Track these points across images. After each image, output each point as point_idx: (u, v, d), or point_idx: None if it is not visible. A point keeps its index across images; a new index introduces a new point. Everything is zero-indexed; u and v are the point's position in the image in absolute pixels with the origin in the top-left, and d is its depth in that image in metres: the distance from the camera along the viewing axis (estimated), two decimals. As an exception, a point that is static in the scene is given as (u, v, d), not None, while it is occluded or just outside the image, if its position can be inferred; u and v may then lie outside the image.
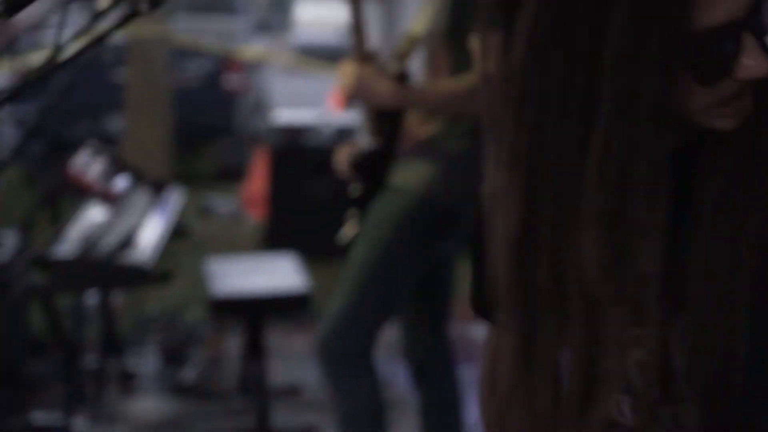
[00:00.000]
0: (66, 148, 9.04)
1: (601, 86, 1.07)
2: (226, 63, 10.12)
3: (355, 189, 3.44)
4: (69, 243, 3.72)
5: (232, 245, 7.57)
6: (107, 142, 9.49)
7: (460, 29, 3.23)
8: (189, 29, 10.46)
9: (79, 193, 3.82)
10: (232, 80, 10.19)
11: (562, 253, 1.11)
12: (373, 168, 3.40)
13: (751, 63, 1.10)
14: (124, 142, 8.99)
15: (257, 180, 8.07)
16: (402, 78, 3.36)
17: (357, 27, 3.35)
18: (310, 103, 10.07)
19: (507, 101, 1.12)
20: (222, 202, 8.73)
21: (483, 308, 1.29)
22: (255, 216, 8.30)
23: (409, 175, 3.33)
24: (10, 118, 9.69)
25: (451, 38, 3.27)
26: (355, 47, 3.34)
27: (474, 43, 3.19)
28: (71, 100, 7.99)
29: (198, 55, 9.96)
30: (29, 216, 3.70)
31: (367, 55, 3.34)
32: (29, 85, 1.71)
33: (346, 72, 3.32)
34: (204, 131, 10.21)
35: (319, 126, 7.63)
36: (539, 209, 1.11)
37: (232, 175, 9.98)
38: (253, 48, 11.14)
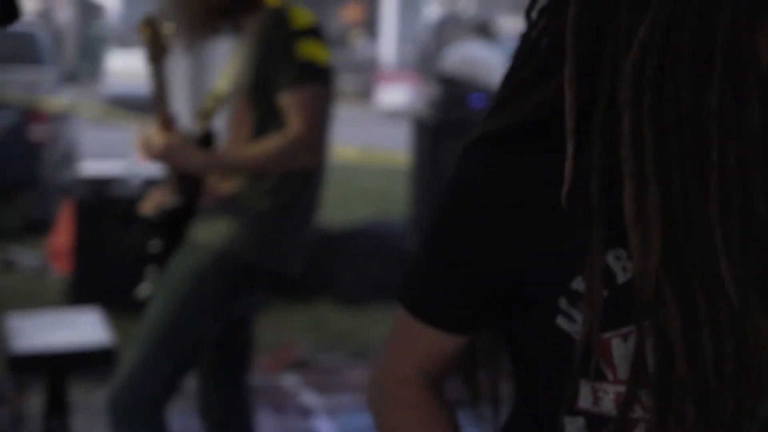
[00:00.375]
0: None
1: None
2: (31, 114, 9.91)
3: (155, 245, 3.41)
4: None
5: (37, 300, 7.39)
6: None
7: (264, 88, 3.28)
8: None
9: None
10: (37, 132, 9.98)
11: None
12: (174, 225, 3.39)
13: None
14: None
15: (63, 233, 7.90)
16: (208, 137, 3.37)
17: (159, 93, 3.34)
18: (119, 155, 9.93)
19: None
20: (27, 256, 8.51)
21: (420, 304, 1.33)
22: (60, 270, 8.12)
23: (210, 231, 3.32)
24: None
25: (255, 97, 3.30)
26: (157, 113, 3.33)
27: (284, 100, 3.24)
28: None
29: (1, 107, 9.73)
30: None
31: (170, 120, 3.33)
32: None
33: (150, 141, 3.31)
34: (9, 184, 9.96)
35: (127, 177, 7.53)
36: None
37: (38, 228, 9.76)
38: (59, 99, 10.92)
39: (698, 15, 1.11)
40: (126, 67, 23.18)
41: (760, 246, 1.14)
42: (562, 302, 1.23)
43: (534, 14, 1.29)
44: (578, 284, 1.21)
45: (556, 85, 1.21)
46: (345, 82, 27.80)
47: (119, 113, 11.80)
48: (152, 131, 3.33)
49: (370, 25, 33.85)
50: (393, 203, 10.76)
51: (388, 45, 32.44)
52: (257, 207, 3.31)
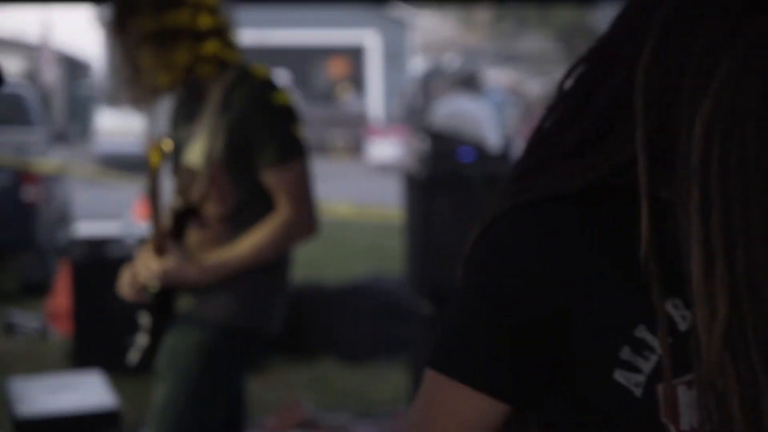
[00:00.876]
0: None
1: None
2: (23, 175, 9.91)
3: (143, 317, 3.41)
4: None
5: (38, 362, 7.37)
6: None
7: (244, 160, 3.26)
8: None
9: None
10: (30, 193, 9.97)
11: None
12: (164, 301, 3.37)
13: None
14: None
15: (61, 294, 7.89)
16: (191, 212, 3.33)
17: (155, 217, 3.31)
18: (113, 214, 9.94)
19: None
20: (27, 318, 8.47)
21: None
22: (60, 332, 8.10)
23: (208, 306, 3.32)
24: None
25: (234, 169, 3.28)
26: (153, 238, 3.30)
27: (269, 179, 3.23)
28: None
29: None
30: None
31: (164, 239, 3.30)
32: None
33: (149, 268, 3.27)
34: (4, 246, 9.95)
35: (122, 237, 7.52)
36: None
37: (36, 289, 9.74)
38: (50, 160, 10.93)
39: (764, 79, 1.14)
40: (115, 125, 23.26)
41: None
42: (625, 352, 1.23)
43: (569, 82, 1.30)
44: (642, 332, 1.22)
45: (614, 148, 1.23)
46: (334, 137, 27.89)
47: (111, 172, 11.81)
48: (147, 258, 3.29)
49: (356, 79, 34.01)
50: (388, 259, 10.76)
51: (375, 99, 32.59)
52: (248, 274, 3.29)
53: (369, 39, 32.95)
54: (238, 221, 3.30)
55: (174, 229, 3.35)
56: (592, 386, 1.26)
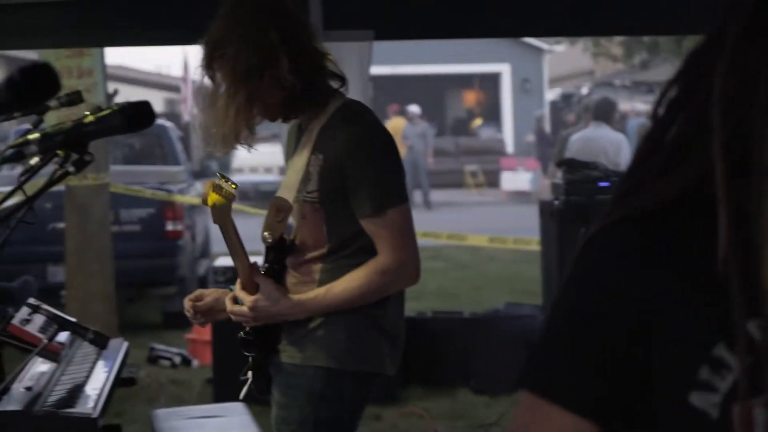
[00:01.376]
0: (5, 298, 8.97)
1: None
2: (166, 209, 10.13)
3: (249, 355, 3.43)
4: (13, 397, 3.67)
5: (180, 392, 7.51)
6: (48, 293, 9.43)
7: (334, 198, 3.18)
8: (129, 176, 10.50)
9: (22, 347, 3.77)
10: (173, 226, 10.19)
11: None
12: (263, 340, 3.34)
13: None
14: (65, 293, 8.93)
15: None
16: (283, 246, 3.30)
17: (233, 250, 3.25)
18: (250, 246, 10.08)
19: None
20: (169, 350, 8.64)
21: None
22: (201, 361, 8.24)
23: (313, 347, 3.26)
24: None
25: (326, 207, 3.20)
26: (239, 271, 3.26)
27: (368, 227, 3.15)
28: (10, 251, 7.93)
29: (138, 202, 9.97)
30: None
31: (251, 273, 3.24)
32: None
33: (241, 310, 3.24)
34: (148, 278, 10.17)
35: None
36: None
37: (178, 321, 9.92)
38: (191, 194, 11.17)
39: None
40: (249, 160, 23.69)
41: None
42: (704, 372, 1.21)
43: (662, 108, 1.31)
44: (721, 351, 1.20)
45: (695, 161, 1.23)
46: (470, 167, 27.89)
47: (246, 205, 12.00)
48: (238, 293, 3.25)
49: (491, 110, 33.99)
50: (525, 287, 10.71)
51: (509, 129, 32.52)
52: (350, 319, 3.24)
53: (504, 70, 32.93)
54: (334, 262, 3.23)
55: (269, 263, 3.31)
56: (669, 409, 1.24)
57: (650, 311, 1.24)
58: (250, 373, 3.45)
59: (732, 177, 1.18)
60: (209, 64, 3.20)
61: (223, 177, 3.19)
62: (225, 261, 8.25)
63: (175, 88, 31.24)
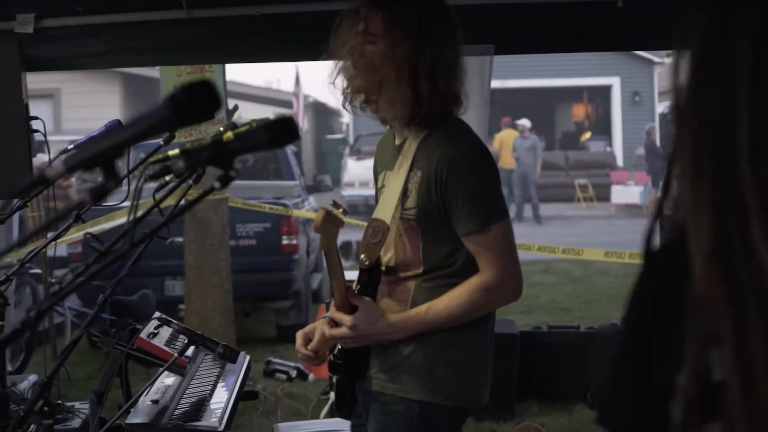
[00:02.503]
0: (125, 311, 9.14)
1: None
2: (282, 224, 10.21)
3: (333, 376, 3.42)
4: (141, 410, 3.73)
5: (297, 406, 7.56)
6: (166, 307, 9.58)
7: (434, 217, 3.16)
8: (246, 191, 10.61)
9: (149, 360, 3.83)
10: (289, 240, 10.27)
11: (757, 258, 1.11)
12: (351, 364, 3.33)
13: None
14: (183, 306, 9.06)
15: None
16: (379, 265, 3.27)
17: (333, 274, 3.23)
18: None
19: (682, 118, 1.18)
20: (285, 363, 8.72)
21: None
22: (318, 376, 8.29)
23: (408, 378, 3.23)
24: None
25: (424, 226, 3.18)
26: (337, 297, 3.24)
27: (470, 245, 3.13)
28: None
29: (254, 217, 10.08)
30: (102, 384, 3.71)
31: (348, 296, 3.23)
32: (106, 266, 1.73)
33: (341, 332, 3.22)
34: (265, 292, 10.27)
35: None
36: (727, 217, 1.12)
37: (293, 334, 9.99)
38: (305, 208, 11.28)
39: None
40: (360, 175, 23.91)
41: None
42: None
43: None
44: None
45: None
46: (580, 181, 27.70)
47: (356, 219, 12.14)
48: (335, 315, 3.23)
49: (601, 124, 33.73)
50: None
51: (618, 142, 32.22)
52: (449, 350, 3.21)
53: (614, 83, 32.65)
54: (429, 281, 3.21)
55: (363, 284, 3.29)
56: None
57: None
58: (332, 394, 3.45)
59: None
60: (369, 16, 3.17)
61: (335, 204, 3.23)
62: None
63: (286, 104, 31.52)
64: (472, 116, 5.57)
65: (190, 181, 2.67)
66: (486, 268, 3.13)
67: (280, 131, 1.70)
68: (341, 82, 3.24)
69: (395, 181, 3.22)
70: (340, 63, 3.23)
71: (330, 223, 3.14)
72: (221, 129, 2.35)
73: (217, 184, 1.72)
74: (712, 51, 1.16)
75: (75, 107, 25.22)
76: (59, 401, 5.72)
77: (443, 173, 3.10)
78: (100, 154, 1.33)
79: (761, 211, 1.10)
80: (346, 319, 3.18)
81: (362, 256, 3.26)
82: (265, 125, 1.69)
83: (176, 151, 1.84)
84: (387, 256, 3.29)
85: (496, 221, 3.13)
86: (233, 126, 1.82)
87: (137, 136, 1.33)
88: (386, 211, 3.22)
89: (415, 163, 3.18)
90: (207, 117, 1.34)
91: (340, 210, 3.20)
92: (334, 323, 3.24)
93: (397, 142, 3.30)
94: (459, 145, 3.15)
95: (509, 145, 23.72)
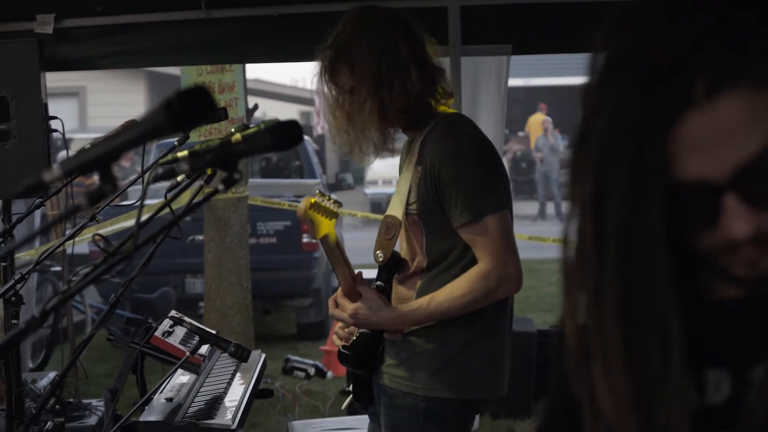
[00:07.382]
0: (145, 309, 9.18)
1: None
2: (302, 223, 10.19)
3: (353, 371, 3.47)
4: (155, 408, 3.75)
5: (315, 404, 7.57)
6: (186, 304, 9.61)
7: (432, 210, 3.20)
8: (267, 189, 10.63)
9: (163, 358, 3.85)
10: (309, 238, 10.28)
11: None
12: (362, 356, 3.37)
13: (730, 224, 1.10)
14: (203, 304, 9.08)
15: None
16: (394, 261, 3.34)
17: (333, 262, 3.32)
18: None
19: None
20: (304, 361, 8.73)
21: None
22: (336, 373, 8.31)
23: (420, 372, 3.27)
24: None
25: (426, 220, 3.23)
26: (343, 285, 3.31)
27: (465, 235, 3.16)
28: (150, 264, 8.10)
29: (274, 215, 10.10)
30: (117, 382, 3.73)
31: (354, 282, 3.30)
32: (115, 265, 1.75)
33: (342, 314, 3.30)
34: (284, 291, 10.28)
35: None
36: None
37: (312, 332, 10.02)
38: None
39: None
40: (383, 173, 23.91)
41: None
42: None
43: None
44: None
45: None
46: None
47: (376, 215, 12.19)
48: (340, 300, 3.31)
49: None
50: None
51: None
52: (454, 342, 3.25)
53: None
54: (432, 274, 3.25)
55: (378, 283, 3.35)
56: None
57: None
58: (352, 386, 3.49)
59: None
60: (332, 71, 3.24)
61: (322, 194, 3.27)
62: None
63: (309, 101, 31.56)
64: (489, 116, 5.59)
65: (201, 181, 2.70)
66: (481, 257, 3.16)
67: (284, 135, 1.71)
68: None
69: (404, 178, 3.29)
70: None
71: (316, 212, 3.22)
72: (232, 130, 2.38)
73: (220, 187, 1.73)
74: None
75: (100, 105, 25.32)
76: (71, 399, 5.76)
77: (436, 167, 3.16)
78: (96, 158, 1.35)
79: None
80: (349, 305, 3.27)
81: (377, 252, 3.32)
82: (269, 128, 1.70)
83: (185, 152, 1.85)
84: (401, 252, 3.36)
85: (491, 212, 3.15)
86: (244, 127, 1.84)
87: (133, 140, 1.35)
88: (397, 207, 3.28)
89: (418, 160, 3.24)
90: (202, 122, 1.35)
91: (332, 200, 3.27)
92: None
93: (409, 140, 3.36)
94: (453, 139, 3.19)
95: (538, 126, 24.01)
